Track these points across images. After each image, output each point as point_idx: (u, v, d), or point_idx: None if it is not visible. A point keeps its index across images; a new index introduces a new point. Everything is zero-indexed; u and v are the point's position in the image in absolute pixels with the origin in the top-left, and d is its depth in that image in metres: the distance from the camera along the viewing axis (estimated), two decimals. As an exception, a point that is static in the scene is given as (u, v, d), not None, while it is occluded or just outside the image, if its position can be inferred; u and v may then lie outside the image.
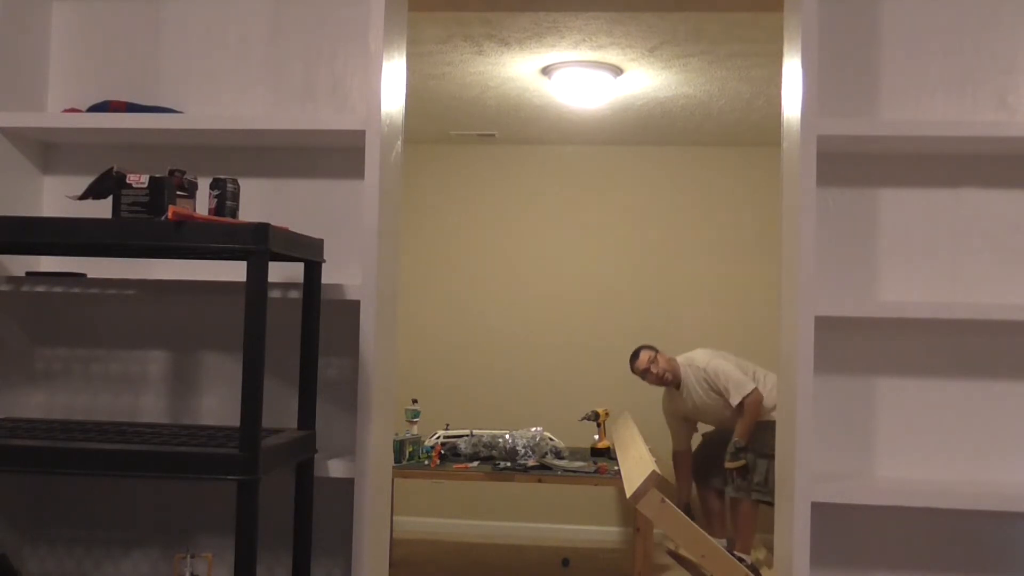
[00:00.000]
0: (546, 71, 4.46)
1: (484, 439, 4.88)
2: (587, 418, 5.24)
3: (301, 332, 2.06)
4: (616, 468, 4.62)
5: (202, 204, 1.99)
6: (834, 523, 2.17)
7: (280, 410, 2.22)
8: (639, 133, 5.73)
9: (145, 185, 1.83)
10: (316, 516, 2.14)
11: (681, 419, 5.28)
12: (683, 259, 5.73)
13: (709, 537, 4.24)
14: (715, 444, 5.13)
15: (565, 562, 5.37)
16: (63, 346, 2.34)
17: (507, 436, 4.81)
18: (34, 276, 2.31)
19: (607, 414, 5.27)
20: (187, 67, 2.36)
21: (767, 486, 4.76)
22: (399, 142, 2.33)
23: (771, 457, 4.76)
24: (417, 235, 6.08)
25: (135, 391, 2.32)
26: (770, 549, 4.79)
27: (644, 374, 5.14)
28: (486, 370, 6.05)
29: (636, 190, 6.07)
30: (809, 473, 2.01)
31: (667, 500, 4.11)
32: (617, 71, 4.43)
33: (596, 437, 5.20)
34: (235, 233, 1.72)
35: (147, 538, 2.31)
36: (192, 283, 2.25)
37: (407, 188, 3.01)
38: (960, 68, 2.19)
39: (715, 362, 5.03)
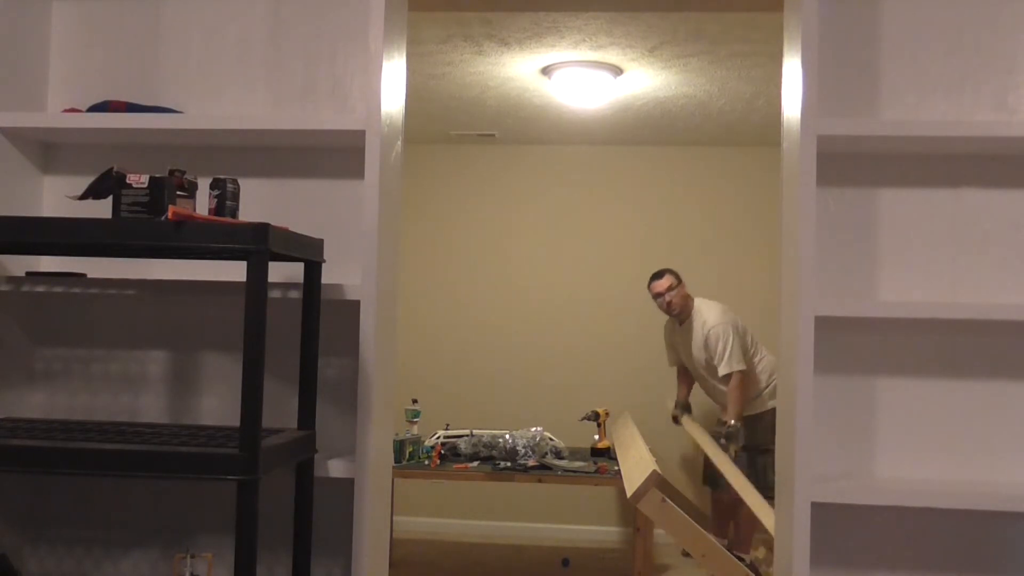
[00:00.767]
0: (546, 71, 4.46)
1: (484, 439, 4.88)
2: (587, 418, 5.24)
3: (301, 332, 2.06)
4: (616, 468, 4.62)
5: (202, 204, 1.99)
6: (834, 523, 2.17)
7: (280, 410, 2.22)
8: (639, 133, 5.73)
9: (145, 185, 1.83)
10: (316, 516, 2.14)
11: (673, 348, 5.30)
12: (683, 259, 5.72)
13: (709, 536, 4.25)
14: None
15: (565, 562, 5.37)
16: (63, 346, 2.34)
17: (507, 436, 4.81)
18: (34, 276, 2.31)
19: (607, 414, 5.27)
20: (187, 67, 2.36)
21: (762, 481, 4.70)
22: (399, 142, 2.33)
23: (766, 453, 4.76)
24: (417, 235, 6.08)
25: (135, 391, 2.32)
26: (770, 549, 4.79)
27: (656, 296, 5.12)
28: (486, 370, 6.05)
29: (636, 190, 6.08)
30: (809, 473, 2.01)
31: (667, 500, 4.12)
32: (617, 71, 4.43)
33: (596, 437, 5.20)
34: (235, 233, 1.72)
35: (147, 538, 2.31)
36: (192, 283, 2.25)
37: (407, 188, 3.01)
38: (960, 68, 2.19)
39: (722, 328, 4.94)
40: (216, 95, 2.35)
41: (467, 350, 6.09)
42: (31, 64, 2.35)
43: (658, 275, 5.14)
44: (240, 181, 2.04)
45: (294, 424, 2.12)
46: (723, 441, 4.83)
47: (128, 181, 1.83)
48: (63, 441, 1.83)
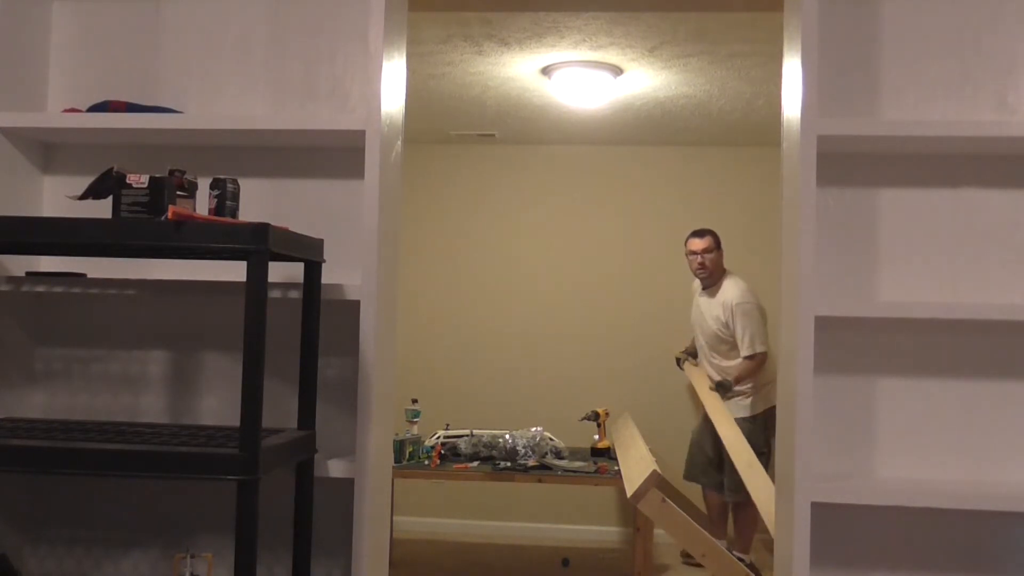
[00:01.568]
0: (546, 71, 4.46)
1: (484, 439, 4.88)
2: (587, 418, 5.24)
3: (301, 332, 2.06)
4: (616, 468, 4.62)
5: (202, 204, 1.99)
6: (834, 523, 2.17)
7: (280, 410, 2.22)
8: (639, 133, 5.73)
9: (145, 185, 1.83)
10: (316, 516, 2.14)
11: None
12: (683, 259, 5.72)
13: (709, 536, 4.25)
14: (706, 442, 5.06)
15: (565, 562, 5.37)
16: (63, 346, 2.34)
17: (507, 436, 4.81)
18: (34, 276, 2.31)
19: (607, 414, 5.27)
20: (187, 67, 2.36)
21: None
22: (399, 142, 2.34)
23: (764, 455, 4.70)
24: (417, 235, 6.08)
25: (135, 391, 2.32)
26: (769, 549, 4.79)
27: (691, 253, 5.00)
28: (486, 370, 6.05)
29: (636, 190, 6.08)
30: (809, 473, 2.01)
31: (667, 500, 4.13)
32: (617, 71, 4.43)
33: (596, 437, 5.20)
34: (235, 233, 1.72)
35: (147, 538, 2.31)
36: (192, 283, 2.25)
37: (407, 188, 3.01)
38: (960, 68, 2.19)
39: (750, 306, 4.85)
40: (216, 95, 2.35)
41: (467, 350, 6.09)
42: (31, 64, 2.35)
43: (700, 233, 5.02)
44: (240, 181, 2.04)
45: (294, 424, 2.12)
46: (711, 387, 4.82)
47: (128, 181, 1.83)
48: (63, 441, 1.83)
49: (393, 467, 2.81)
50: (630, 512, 5.11)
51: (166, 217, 1.75)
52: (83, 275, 2.29)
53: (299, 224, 2.25)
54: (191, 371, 2.31)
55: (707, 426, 5.00)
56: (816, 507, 2.03)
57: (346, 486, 2.13)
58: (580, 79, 4.44)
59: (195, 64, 2.36)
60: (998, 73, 2.18)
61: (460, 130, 5.81)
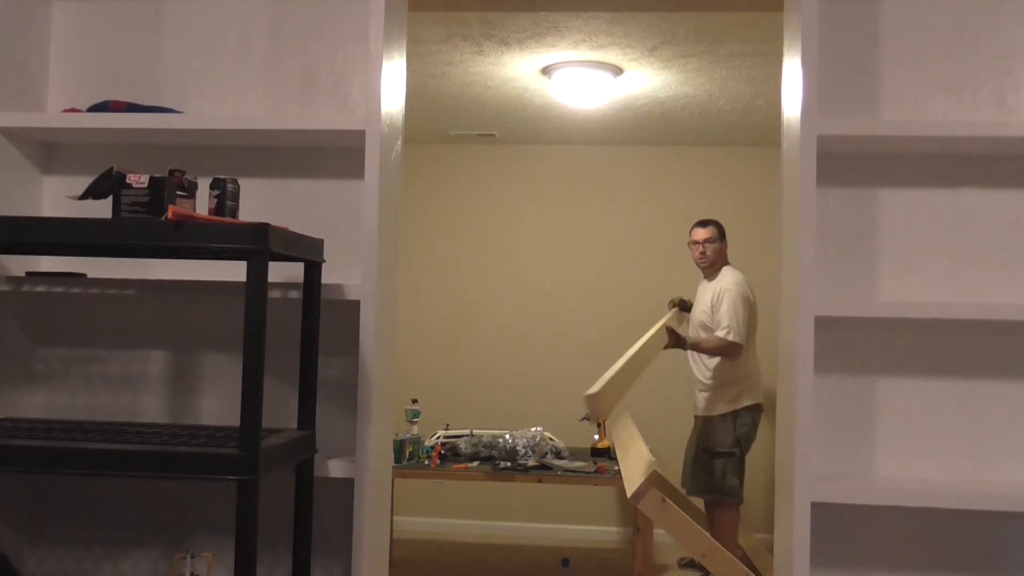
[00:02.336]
0: (546, 71, 4.46)
1: (484, 439, 4.88)
2: (587, 418, 5.23)
3: (301, 332, 2.06)
4: (616, 468, 4.61)
5: (202, 204, 1.99)
6: (834, 523, 2.17)
7: (280, 410, 2.22)
8: (639, 133, 5.73)
9: (145, 185, 1.83)
10: (316, 516, 2.14)
11: None
12: (683, 259, 5.72)
13: (709, 536, 4.25)
14: (689, 448, 4.94)
15: (565, 562, 5.37)
16: (63, 346, 2.34)
17: (507, 436, 4.81)
18: (34, 276, 2.31)
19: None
20: (187, 67, 2.37)
21: (720, 486, 4.62)
22: (399, 142, 2.34)
23: (726, 456, 4.62)
24: (417, 235, 6.08)
25: (135, 391, 2.32)
26: (768, 548, 4.79)
27: (693, 243, 4.86)
28: (486, 370, 6.05)
29: (636, 190, 6.07)
30: (809, 473, 2.01)
31: (667, 500, 4.12)
32: (617, 71, 4.43)
33: (596, 437, 5.20)
34: (235, 233, 1.72)
35: (147, 538, 2.31)
36: (192, 283, 2.25)
37: (407, 188, 3.01)
38: (960, 68, 2.19)
39: (736, 292, 4.62)
40: (216, 95, 2.35)
41: (467, 350, 6.09)
42: (31, 64, 2.35)
43: (703, 223, 4.88)
44: (240, 181, 2.04)
45: (294, 424, 2.12)
46: (669, 333, 4.72)
47: (128, 181, 1.83)
48: (63, 441, 1.83)
49: (393, 467, 2.81)
50: (630, 512, 5.11)
51: (166, 217, 1.75)
52: (83, 275, 2.29)
53: (299, 224, 2.25)
54: (191, 371, 2.31)
55: (692, 433, 4.92)
56: (816, 507, 2.03)
57: (346, 486, 2.13)
58: (580, 79, 4.44)
59: (195, 64, 2.36)
60: (998, 73, 2.18)
61: (460, 130, 5.81)
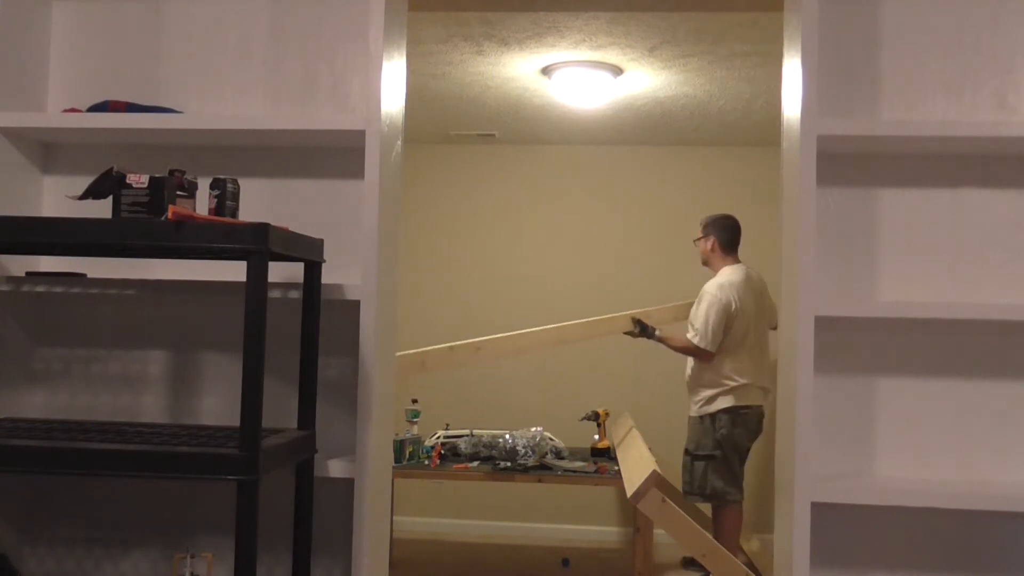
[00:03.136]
0: (546, 71, 4.46)
1: (484, 439, 4.88)
2: (587, 418, 5.24)
3: (301, 332, 2.06)
4: (616, 468, 4.62)
5: (202, 204, 1.99)
6: (834, 523, 2.17)
7: (280, 410, 2.22)
8: (639, 133, 5.73)
9: (145, 185, 1.83)
10: (316, 516, 2.14)
11: None
12: (683, 259, 5.72)
13: (709, 536, 4.25)
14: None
15: (565, 562, 5.37)
16: (63, 346, 2.34)
17: (507, 436, 4.80)
18: (34, 276, 2.31)
19: (607, 414, 5.27)
20: (187, 67, 2.37)
21: (702, 488, 4.62)
22: (399, 142, 2.34)
23: (705, 459, 4.59)
24: (417, 235, 6.08)
25: (135, 391, 2.32)
26: (768, 547, 4.79)
27: (697, 241, 4.90)
28: (486, 370, 6.05)
29: (636, 190, 6.07)
30: (809, 473, 2.01)
31: (667, 500, 4.12)
32: (617, 71, 4.43)
33: (596, 437, 5.20)
34: (235, 233, 1.72)
35: (147, 538, 2.31)
36: (192, 283, 2.25)
37: (407, 188, 3.01)
38: (960, 68, 2.19)
39: (713, 297, 4.59)
40: (216, 95, 2.35)
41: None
42: (31, 64, 2.35)
43: (701, 220, 4.91)
44: (240, 181, 2.04)
45: (294, 424, 2.12)
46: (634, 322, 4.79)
47: (128, 181, 1.83)
48: (63, 441, 1.83)
49: (393, 467, 2.81)
50: (630, 512, 5.11)
51: (166, 217, 1.75)
52: (83, 275, 2.29)
53: (299, 224, 2.25)
54: (191, 371, 2.31)
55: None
56: (816, 507, 2.03)
57: (346, 486, 2.13)
58: (580, 79, 4.44)
59: (195, 64, 2.36)
60: (998, 73, 2.18)
61: (460, 130, 5.81)
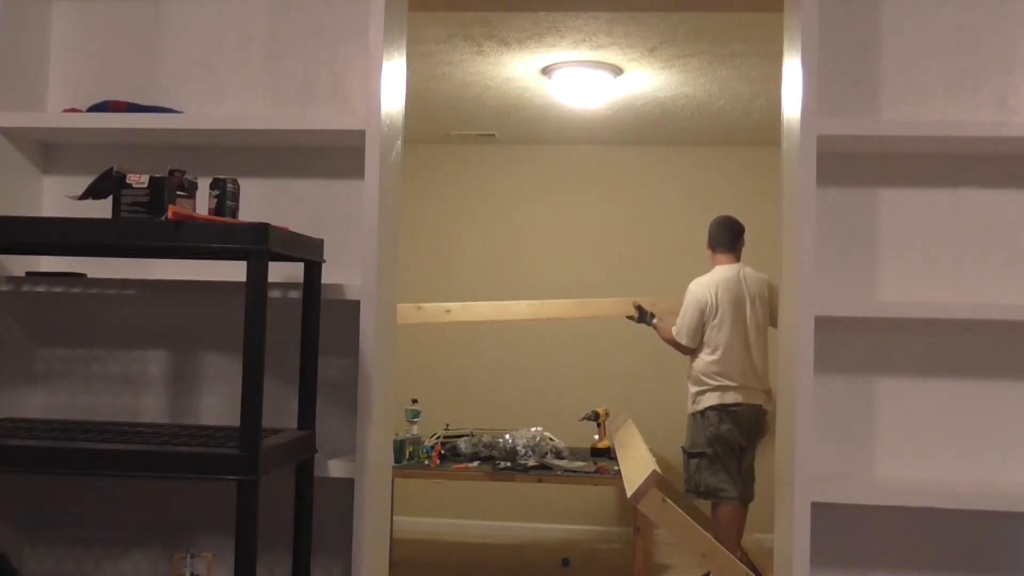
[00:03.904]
0: (546, 71, 4.46)
1: (484, 439, 4.88)
2: (587, 418, 5.24)
3: (301, 332, 2.06)
4: (616, 468, 4.62)
5: (202, 204, 1.99)
6: (834, 523, 2.17)
7: (280, 410, 2.22)
8: (639, 133, 5.73)
9: (145, 185, 1.83)
10: (316, 516, 2.14)
11: None
12: (683, 259, 5.73)
13: (709, 536, 4.25)
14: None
15: (565, 562, 5.37)
16: (63, 346, 2.34)
17: (507, 436, 4.81)
18: (34, 276, 2.31)
19: (607, 414, 5.27)
20: (187, 67, 2.36)
21: (696, 484, 4.68)
22: (399, 142, 2.34)
23: (698, 456, 4.65)
24: (417, 235, 6.08)
25: (135, 391, 2.32)
26: (768, 547, 4.79)
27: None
28: (486, 370, 6.05)
29: (636, 190, 6.08)
30: (809, 473, 2.01)
31: (667, 500, 4.12)
32: (617, 71, 4.43)
33: (596, 437, 5.20)
34: (235, 233, 1.72)
35: (147, 538, 2.31)
36: (192, 283, 2.25)
37: (407, 188, 3.01)
38: (960, 68, 2.19)
39: (689, 295, 4.74)
40: (216, 95, 2.35)
41: (467, 350, 6.09)
42: (31, 64, 2.35)
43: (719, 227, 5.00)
44: (240, 181, 2.04)
45: (294, 424, 2.12)
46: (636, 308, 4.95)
47: (128, 181, 1.83)
48: (63, 441, 1.83)
49: (393, 467, 2.81)
50: (630, 512, 5.11)
51: (166, 217, 1.75)
52: (83, 275, 2.29)
53: (299, 224, 2.25)
54: (191, 371, 2.31)
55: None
56: (816, 507, 2.03)
57: (346, 486, 2.13)
58: (580, 79, 4.44)
59: (195, 64, 2.36)
60: (998, 73, 2.18)
61: (460, 130, 5.81)
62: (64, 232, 1.77)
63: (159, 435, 1.93)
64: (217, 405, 2.30)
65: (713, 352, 4.66)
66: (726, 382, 4.61)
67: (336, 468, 2.12)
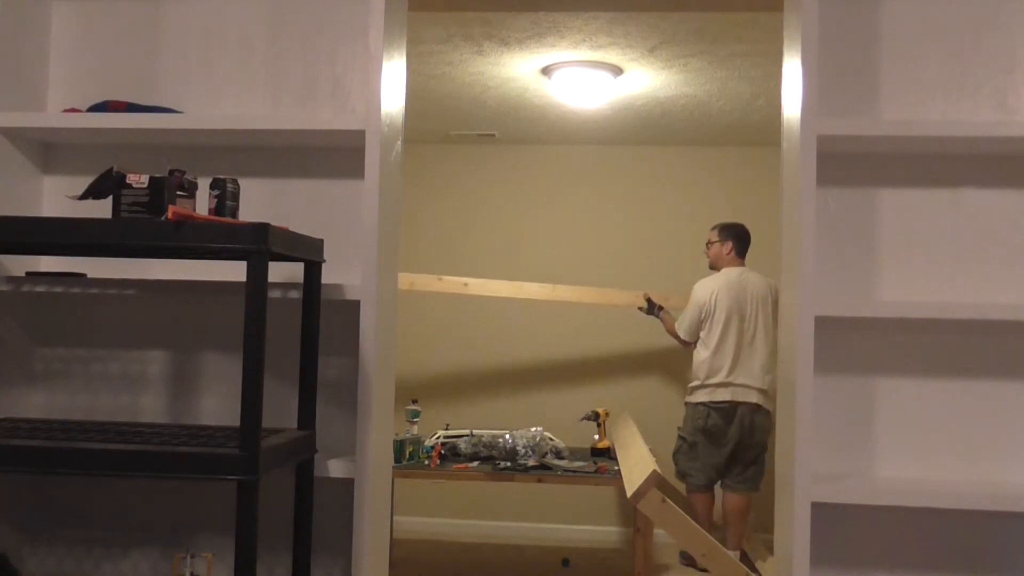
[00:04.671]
0: (546, 71, 4.46)
1: (484, 439, 4.87)
2: (587, 418, 5.24)
3: (301, 332, 2.06)
4: (616, 468, 4.62)
5: (202, 204, 1.99)
6: (834, 523, 2.17)
7: (280, 410, 2.22)
8: (639, 133, 5.73)
9: (145, 185, 1.83)
10: (316, 516, 2.14)
11: None
12: (682, 259, 5.73)
13: (709, 536, 4.25)
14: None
15: (565, 562, 5.37)
16: (63, 346, 2.34)
17: (507, 436, 4.80)
18: (34, 276, 2.31)
19: (607, 414, 5.27)
20: (187, 67, 2.37)
21: (675, 465, 5.08)
22: (399, 142, 2.34)
23: (682, 441, 5.07)
24: (417, 235, 6.08)
25: (135, 391, 2.32)
26: (768, 548, 4.79)
27: (708, 244, 5.25)
28: (486, 370, 6.05)
29: (636, 190, 6.08)
30: (809, 473, 2.01)
31: (667, 500, 4.13)
32: (617, 71, 4.43)
33: (596, 437, 5.20)
34: (235, 233, 1.72)
35: (147, 538, 2.31)
36: (192, 283, 2.25)
37: (407, 188, 3.01)
38: (960, 68, 2.19)
39: (694, 296, 5.08)
40: (216, 95, 2.35)
41: (467, 350, 6.09)
42: (31, 64, 2.35)
43: (714, 226, 5.26)
44: (240, 181, 2.04)
45: (294, 424, 2.12)
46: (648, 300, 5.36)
47: (128, 181, 1.83)
48: (63, 441, 1.83)
49: (393, 467, 2.81)
50: (630, 512, 5.11)
51: (166, 217, 1.75)
52: (83, 275, 2.29)
53: (299, 224, 2.25)
54: (191, 371, 2.31)
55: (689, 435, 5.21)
56: (816, 507, 2.03)
57: (346, 486, 2.13)
58: (580, 79, 4.44)
59: (195, 64, 2.36)
60: (998, 73, 2.18)
61: (460, 130, 5.81)
62: (64, 232, 1.77)
63: (159, 435, 1.93)
64: (217, 405, 2.30)
65: (707, 350, 4.99)
66: (717, 380, 4.93)
67: (336, 468, 2.12)
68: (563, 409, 5.72)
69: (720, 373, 4.92)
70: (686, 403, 5.09)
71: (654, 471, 4.03)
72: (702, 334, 5.02)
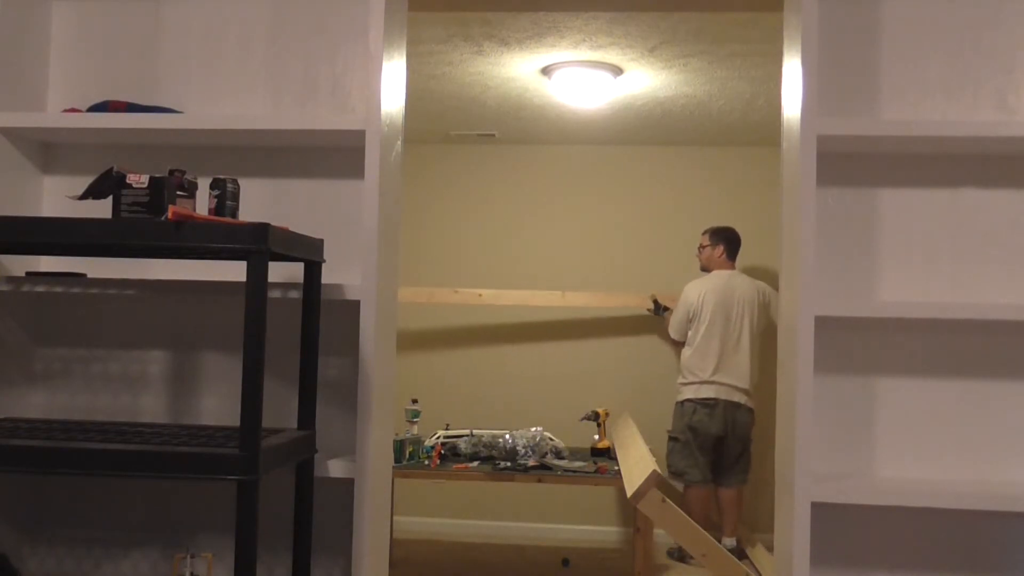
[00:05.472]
0: (546, 71, 4.46)
1: (484, 439, 4.87)
2: (587, 418, 5.24)
3: (301, 332, 2.06)
4: (616, 468, 4.62)
5: (202, 204, 1.99)
6: (834, 523, 2.17)
7: (280, 410, 2.22)
8: (639, 133, 5.73)
9: (145, 185, 1.83)
10: (316, 516, 2.14)
11: None
12: (683, 259, 5.73)
13: (709, 536, 4.25)
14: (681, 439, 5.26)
15: (565, 562, 5.37)
16: (63, 346, 2.34)
17: (507, 436, 4.80)
18: (34, 276, 2.31)
19: (607, 414, 5.28)
20: (187, 67, 2.37)
21: (669, 467, 5.18)
22: (399, 142, 2.34)
23: (673, 440, 5.21)
24: (417, 235, 6.08)
25: (135, 391, 2.32)
26: (768, 547, 4.79)
27: (700, 248, 5.42)
28: (486, 370, 6.05)
29: (636, 190, 6.07)
30: (809, 473, 2.01)
31: (667, 500, 4.13)
32: (617, 71, 4.43)
33: (596, 437, 5.20)
34: (235, 233, 1.72)
35: (147, 538, 2.31)
36: (192, 283, 2.25)
37: (407, 188, 3.01)
38: (960, 68, 2.19)
39: (682, 296, 5.27)
40: (216, 95, 2.35)
41: (467, 350, 6.09)
42: (31, 64, 2.35)
43: (706, 230, 5.43)
44: (240, 181, 2.04)
45: (294, 424, 2.12)
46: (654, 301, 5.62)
47: (128, 181, 1.83)
48: (63, 441, 1.83)
49: (393, 467, 2.81)
50: (630, 512, 5.11)
51: (166, 217, 1.75)
52: (83, 275, 2.29)
53: (299, 224, 2.25)
54: (191, 371, 2.31)
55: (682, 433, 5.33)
56: (816, 507, 2.03)
57: (346, 486, 2.13)
58: (580, 79, 4.44)
59: (195, 64, 2.36)
60: (998, 73, 2.18)
61: (460, 130, 5.81)
62: (64, 232, 1.77)
63: (159, 435, 1.93)
64: (217, 405, 2.30)
65: (692, 349, 5.18)
66: (702, 377, 5.10)
67: (336, 468, 2.12)
68: (563, 409, 5.72)
69: (705, 372, 5.09)
70: (676, 402, 5.23)
71: (654, 471, 4.03)
72: (689, 333, 5.21)
